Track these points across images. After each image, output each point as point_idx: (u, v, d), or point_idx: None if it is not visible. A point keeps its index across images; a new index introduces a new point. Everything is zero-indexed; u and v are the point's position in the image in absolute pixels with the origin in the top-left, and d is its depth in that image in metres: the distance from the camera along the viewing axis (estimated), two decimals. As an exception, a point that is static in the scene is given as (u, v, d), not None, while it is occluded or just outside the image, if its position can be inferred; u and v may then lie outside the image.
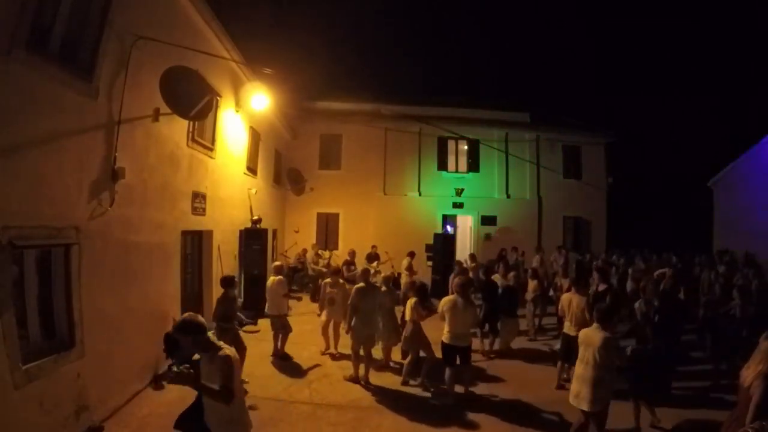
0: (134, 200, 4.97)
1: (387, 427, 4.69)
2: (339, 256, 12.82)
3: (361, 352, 5.79)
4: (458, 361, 5.34)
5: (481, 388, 5.73)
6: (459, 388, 5.39)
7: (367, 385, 5.66)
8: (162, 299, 5.68)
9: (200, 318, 2.69)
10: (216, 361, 2.58)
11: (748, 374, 2.95)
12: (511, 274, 8.26)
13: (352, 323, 5.79)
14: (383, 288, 6.41)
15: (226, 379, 2.52)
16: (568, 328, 5.76)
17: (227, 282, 5.78)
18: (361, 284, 6.01)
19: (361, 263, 9.52)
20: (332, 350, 6.92)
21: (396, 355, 6.50)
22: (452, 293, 5.71)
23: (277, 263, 7.16)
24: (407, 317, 5.83)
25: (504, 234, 14.39)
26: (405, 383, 5.76)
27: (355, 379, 5.76)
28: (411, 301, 5.82)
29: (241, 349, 5.22)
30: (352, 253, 10.20)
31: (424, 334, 5.77)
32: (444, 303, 5.41)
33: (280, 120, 12.20)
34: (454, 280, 6.43)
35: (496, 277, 7.84)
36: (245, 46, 8.21)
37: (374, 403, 5.20)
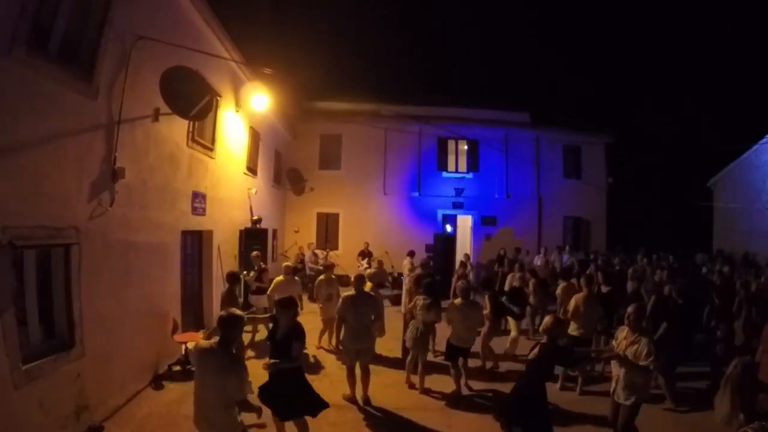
0: (134, 200, 4.97)
1: (387, 427, 4.69)
2: (339, 256, 12.87)
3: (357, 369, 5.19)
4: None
5: (481, 387, 5.73)
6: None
7: (365, 407, 5.05)
8: (162, 299, 5.68)
9: None
10: None
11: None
12: (518, 275, 8.26)
13: (341, 337, 5.21)
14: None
15: None
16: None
17: (232, 278, 5.84)
18: (352, 293, 5.23)
19: (352, 260, 9.41)
20: (324, 345, 6.99)
21: (391, 351, 6.49)
22: (456, 296, 5.65)
23: (287, 263, 7.21)
24: (419, 317, 5.53)
25: (504, 234, 14.39)
26: (412, 386, 5.65)
27: (352, 400, 5.16)
28: (421, 301, 5.58)
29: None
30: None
31: (433, 336, 5.69)
32: (449, 307, 5.41)
33: (280, 120, 12.18)
34: (456, 283, 6.36)
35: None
36: (245, 45, 8.19)
37: (374, 403, 5.18)
